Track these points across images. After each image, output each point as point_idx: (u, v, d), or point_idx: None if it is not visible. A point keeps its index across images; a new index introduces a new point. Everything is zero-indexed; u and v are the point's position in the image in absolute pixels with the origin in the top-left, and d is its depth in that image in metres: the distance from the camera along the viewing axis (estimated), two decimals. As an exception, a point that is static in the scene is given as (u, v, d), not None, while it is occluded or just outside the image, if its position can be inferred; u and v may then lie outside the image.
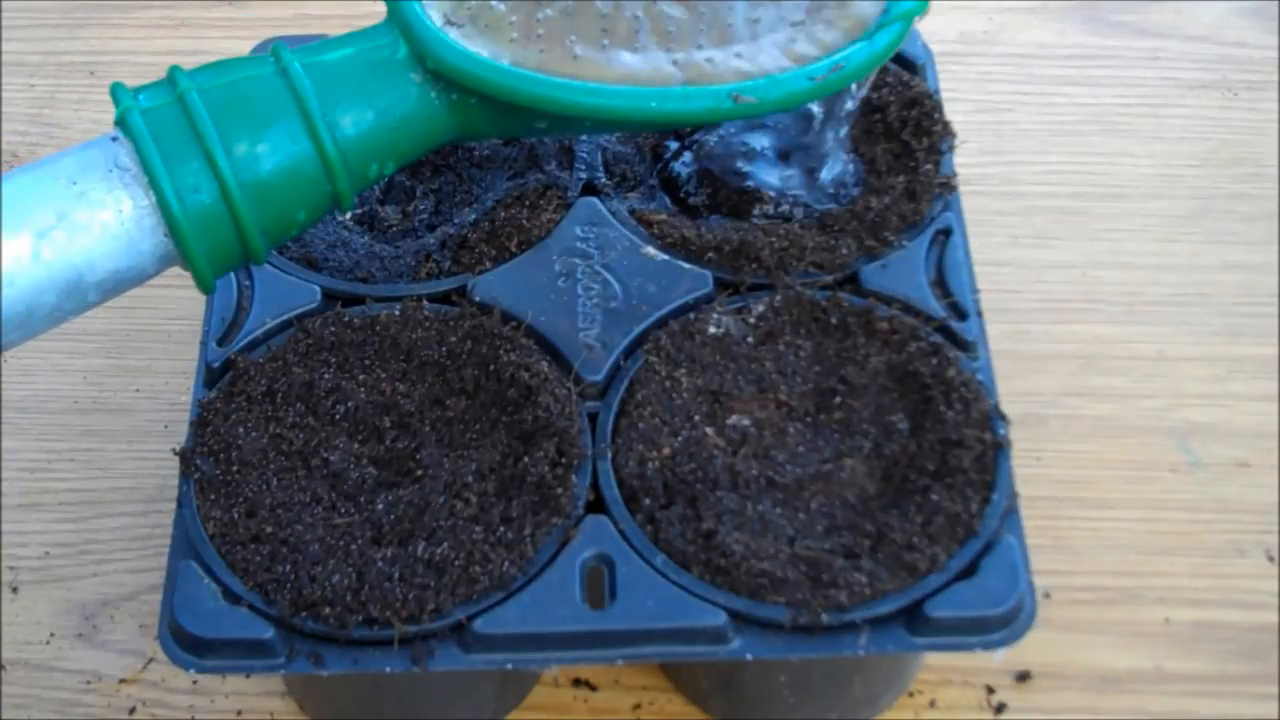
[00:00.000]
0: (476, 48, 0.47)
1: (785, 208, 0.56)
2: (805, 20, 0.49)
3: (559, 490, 0.49)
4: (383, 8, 0.81)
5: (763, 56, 0.48)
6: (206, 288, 0.46)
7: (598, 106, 0.46)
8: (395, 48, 0.47)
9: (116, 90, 0.45)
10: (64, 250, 0.42)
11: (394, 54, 0.47)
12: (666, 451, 0.50)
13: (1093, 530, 0.60)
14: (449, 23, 0.47)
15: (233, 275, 0.55)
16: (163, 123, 0.44)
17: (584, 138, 0.58)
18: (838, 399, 0.52)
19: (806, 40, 0.48)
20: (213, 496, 0.50)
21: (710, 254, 0.55)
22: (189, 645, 0.47)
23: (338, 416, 0.52)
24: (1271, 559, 0.59)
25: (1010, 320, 0.65)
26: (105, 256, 0.43)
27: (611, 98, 0.46)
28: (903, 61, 0.60)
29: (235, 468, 0.50)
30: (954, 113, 0.59)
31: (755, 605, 0.47)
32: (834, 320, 0.53)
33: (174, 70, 0.45)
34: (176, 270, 0.69)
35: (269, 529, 0.49)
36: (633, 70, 0.47)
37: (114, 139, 0.44)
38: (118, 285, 0.44)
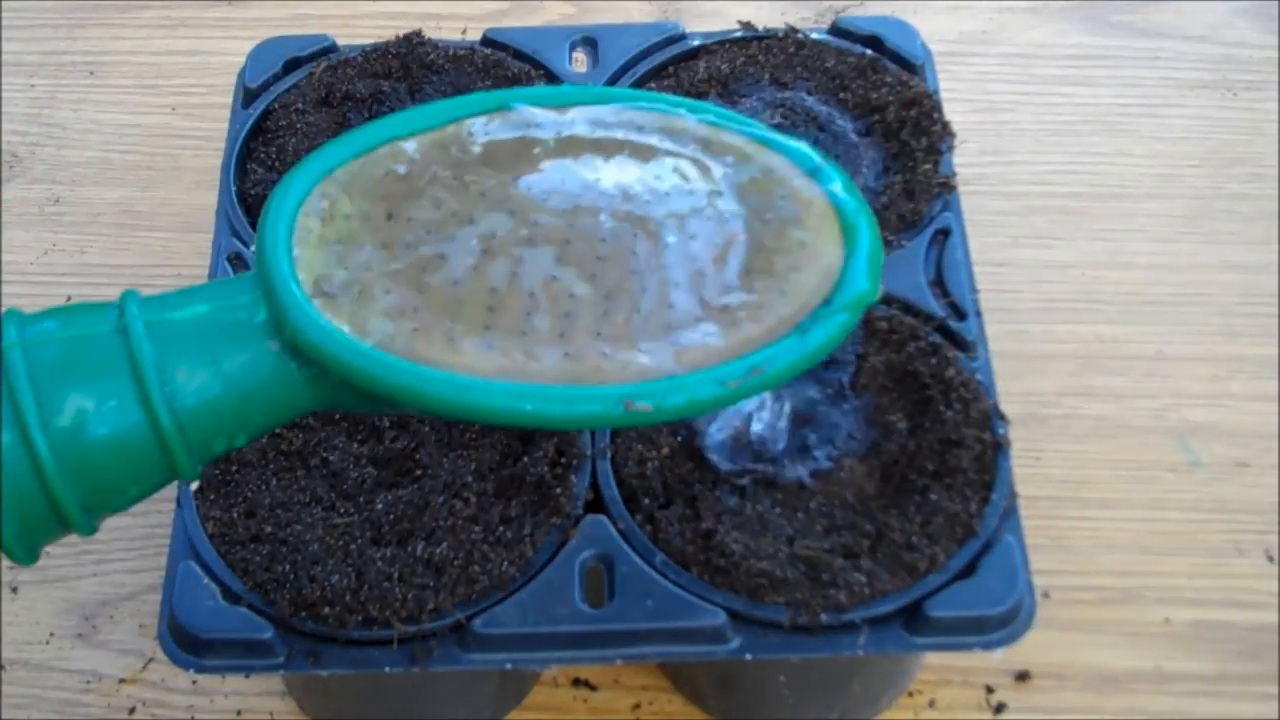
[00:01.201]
0: (340, 321, 0.40)
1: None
2: (731, 307, 0.41)
3: (558, 490, 0.49)
4: (384, 7, 0.81)
5: (667, 352, 0.40)
6: (21, 562, 0.40)
7: (464, 405, 0.39)
8: (254, 310, 0.40)
9: None
10: None
11: (251, 316, 0.40)
12: (666, 451, 0.50)
13: (1092, 530, 0.60)
14: (319, 290, 0.41)
15: (232, 274, 0.55)
16: None
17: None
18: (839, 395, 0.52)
19: (723, 333, 0.41)
20: (212, 496, 0.50)
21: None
22: (188, 645, 0.47)
23: (336, 416, 0.52)
24: (1271, 559, 0.59)
25: (1010, 320, 0.65)
26: None
27: (482, 395, 0.39)
28: (902, 61, 0.60)
29: (235, 468, 0.50)
30: (953, 113, 0.59)
31: (754, 605, 0.47)
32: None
33: (6, 317, 0.40)
34: (174, 268, 0.69)
35: (268, 529, 0.49)
36: (513, 364, 0.40)
37: None
38: None
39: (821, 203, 0.44)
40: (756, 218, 0.43)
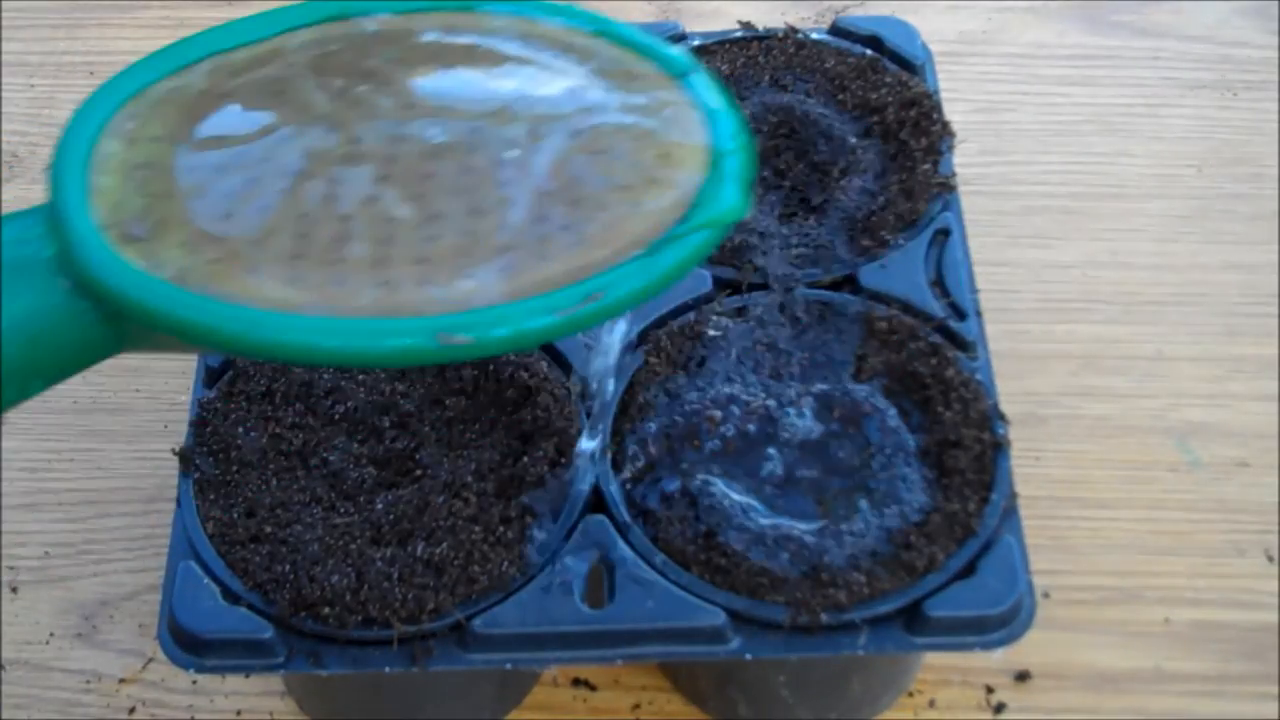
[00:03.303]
0: (134, 254, 0.36)
1: None
2: (575, 227, 0.37)
3: (558, 490, 0.49)
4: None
5: (499, 278, 0.37)
6: None
7: (258, 343, 0.36)
8: (44, 244, 0.37)
9: None
10: None
11: (40, 251, 0.37)
12: (667, 451, 0.50)
13: (1092, 530, 0.60)
14: (115, 219, 0.37)
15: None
16: None
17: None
18: (837, 398, 0.52)
19: (565, 256, 0.37)
20: (212, 496, 0.50)
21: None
22: (188, 645, 0.47)
23: (337, 416, 0.52)
24: (1271, 559, 0.59)
25: (1010, 320, 0.65)
26: None
27: (275, 331, 0.36)
28: (902, 61, 0.60)
29: (234, 467, 0.50)
30: (953, 113, 0.59)
31: (754, 605, 0.47)
32: (833, 320, 0.53)
33: None
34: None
35: (268, 529, 0.49)
36: (322, 296, 0.36)
37: None
38: None
39: (689, 113, 0.40)
40: (612, 128, 0.39)
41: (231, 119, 0.40)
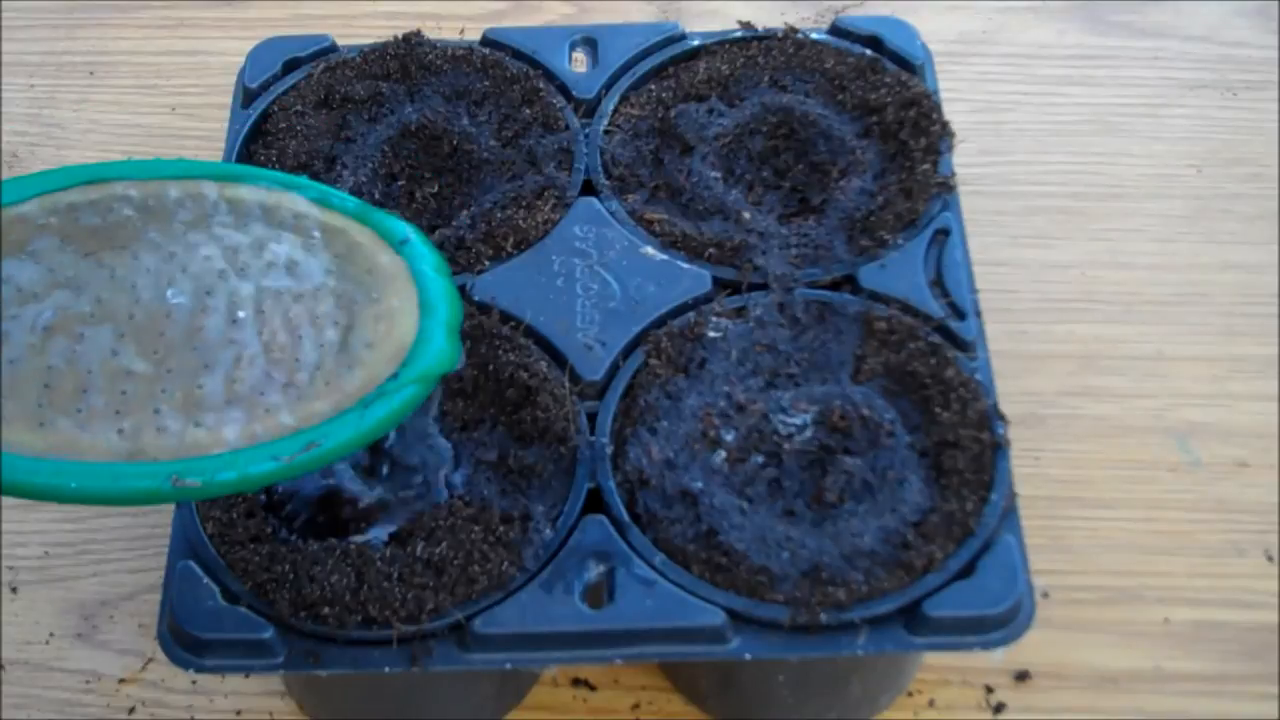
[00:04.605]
0: None
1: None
2: (300, 383, 0.43)
3: (558, 489, 0.49)
4: (384, 7, 0.81)
5: (228, 427, 0.42)
6: None
7: (12, 484, 0.40)
8: None
9: None
10: None
11: None
12: (666, 452, 0.50)
13: (1091, 530, 0.60)
14: None
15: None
16: None
17: (582, 140, 0.58)
18: (836, 400, 0.52)
19: (290, 408, 0.42)
20: (212, 496, 0.50)
21: (711, 250, 0.55)
22: (188, 645, 0.47)
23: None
24: (1271, 559, 0.59)
25: (1010, 320, 0.65)
26: None
27: (23, 474, 0.40)
28: (901, 61, 0.60)
29: (234, 468, 0.50)
30: (953, 113, 0.59)
31: (754, 604, 0.47)
32: (832, 320, 0.53)
33: None
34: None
35: (268, 529, 0.49)
36: (64, 441, 0.41)
37: None
38: None
39: (404, 277, 0.45)
40: (337, 293, 0.45)
41: None
